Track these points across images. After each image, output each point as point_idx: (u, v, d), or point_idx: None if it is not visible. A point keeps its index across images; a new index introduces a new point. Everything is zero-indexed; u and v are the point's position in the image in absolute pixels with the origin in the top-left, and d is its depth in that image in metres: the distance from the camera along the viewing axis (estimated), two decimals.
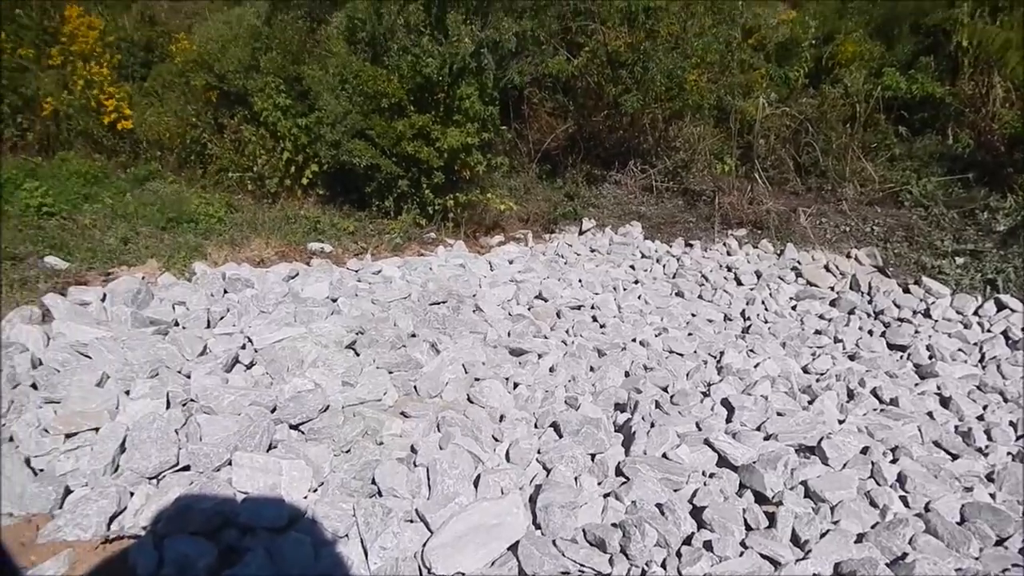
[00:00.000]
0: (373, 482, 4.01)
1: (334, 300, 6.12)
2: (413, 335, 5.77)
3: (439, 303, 6.42)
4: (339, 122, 8.46)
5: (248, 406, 4.38)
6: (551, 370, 5.61)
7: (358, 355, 5.29)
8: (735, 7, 10.04)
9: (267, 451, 4.11)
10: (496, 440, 4.63)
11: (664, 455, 4.45)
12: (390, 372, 5.09)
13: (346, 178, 8.98)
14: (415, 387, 5.02)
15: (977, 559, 3.78)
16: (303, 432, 4.39)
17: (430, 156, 8.36)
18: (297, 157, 8.79)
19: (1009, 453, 4.90)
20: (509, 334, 6.12)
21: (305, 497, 3.86)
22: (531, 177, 10.38)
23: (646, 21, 9.86)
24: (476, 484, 4.07)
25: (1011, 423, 5.29)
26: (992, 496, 4.38)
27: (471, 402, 4.99)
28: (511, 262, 7.93)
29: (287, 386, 4.67)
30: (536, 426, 4.85)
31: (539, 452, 4.47)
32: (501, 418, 4.86)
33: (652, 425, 4.71)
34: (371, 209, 8.87)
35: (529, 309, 6.74)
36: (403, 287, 6.56)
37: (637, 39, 9.88)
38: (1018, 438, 5.12)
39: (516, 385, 5.31)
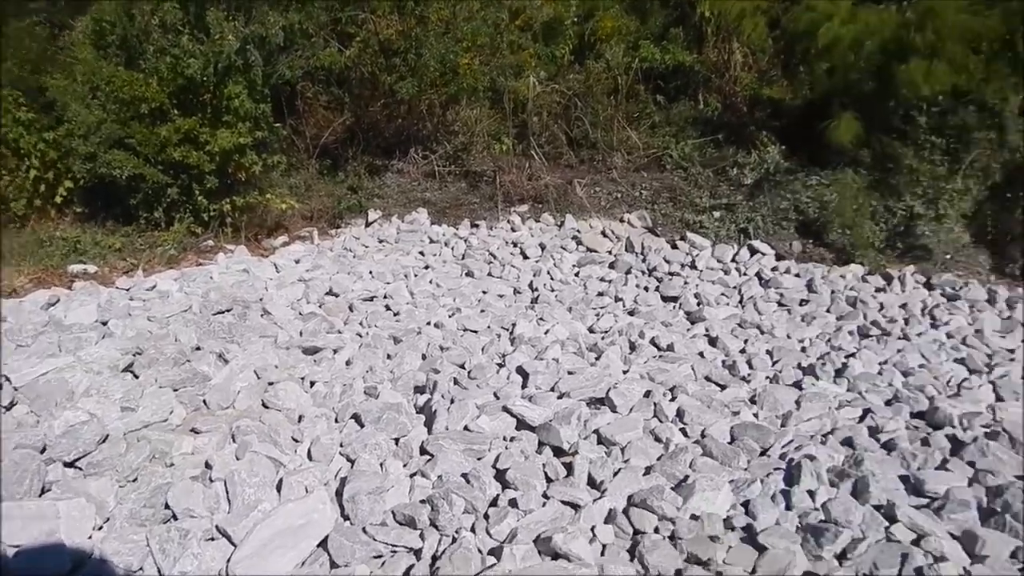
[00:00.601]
0: (166, 506, 3.81)
1: (104, 323, 5.69)
2: (198, 348, 5.49)
3: (223, 312, 6.15)
4: (93, 133, 7.82)
5: (12, 450, 3.99)
6: (347, 363, 5.56)
7: (137, 377, 4.97)
8: None
9: (40, 495, 3.79)
10: (296, 441, 4.55)
11: (466, 427, 4.59)
12: (175, 390, 4.83)
13: (107, 192, 8.31)
14: (204, 401, 4.81)
15: (746, 470, 4.27)
16: (81, 468, 4.08)
17: (200, 160, 7.95)
18: (46, 175, 8.04)
19: (767, 377, 5.54)
20: (301, 333, 5.99)
21: (90, 537, 3.60)
22: (311, 173, 10.14)
23: (416, 8, 9.91)
24: (279, 488, 3.99)
25: (767, 352, 5.97)
26: (755, 416, 4.93)
27: (266, 407, 4.85)
28: (298, 261, 7.75)
29: (57, 421, 4.29)
30: (337, 420, 4.81)
31: (342, 445, 4.45)
32: (300, 418, 4.77)
33: (452, 401, 4.83)
34: (139, 222, 8.27)
35: (320, 306, 6.62)
36: (182, 300, 6.22)
37: (408, 26, 9.89)
38: (773, 363, 5.78)
39: (313, 383, 5.22)
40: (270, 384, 5.06)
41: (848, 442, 4.56)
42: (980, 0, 8.14)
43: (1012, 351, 5.98)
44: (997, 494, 3.86)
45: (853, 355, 5.85)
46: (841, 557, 3.47)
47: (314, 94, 10.89)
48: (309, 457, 4.39)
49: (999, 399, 5.14)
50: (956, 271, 7.70)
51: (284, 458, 4.26)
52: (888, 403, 5.11)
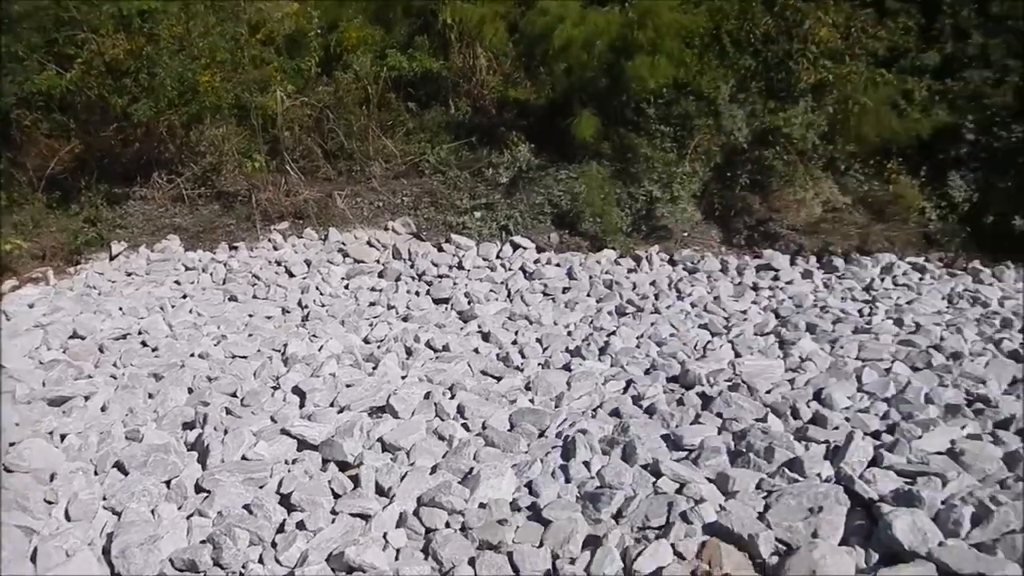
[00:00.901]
0: None
1: None
2: None
3: None
4: None
5: None
6: (103, 409, 5.11)
7: None
8: (237, 4, 9.91)
9: None
10: (50, 503, 4.12)
11: (243, 457, 4.44)
12: None
13: None
14: None
15: (527, 452, 4.50)
16: None
17: None
18: None
19: (539, 364, 5.86)
20: (44, 384, 5.40)
21: None
22: (39, 208, 9.13)
23: (143, 25, 9.27)
24: (34, 559, 3.62)
25: (537, 340, 6.30)
26: (531, 401, 5.21)
27: (9, 471, 4.32)
28: (32, 306, 6.96)
29: None
30: (96, 472, 4.42)
31: (104, 498, 4.11)
32: (52, 477, 4.32)
33: (226, 432, 4.66)
34: None
35: (64, 352, 6.01)
36: None
37: (137, 45, 9.23)
38: (544, 350, 6.11)
39: (64, 436, 4.74)
40: (11, 445, 4.52)
41: (615, 412, 4.95)
42: None
43: (744, 312, 6.78)
44: (741, 437, 4.37)
45: (614, 333, 6.34)
46: (617, 516, 3.76)
47: (33, 122, 9.84)
48: (67, 517, 4.01)
49: (737, 355, 5.81)
50: (693, 246, 8.57)
51: (37, 524, 3.87)
52: (647, 372, 5.61)
